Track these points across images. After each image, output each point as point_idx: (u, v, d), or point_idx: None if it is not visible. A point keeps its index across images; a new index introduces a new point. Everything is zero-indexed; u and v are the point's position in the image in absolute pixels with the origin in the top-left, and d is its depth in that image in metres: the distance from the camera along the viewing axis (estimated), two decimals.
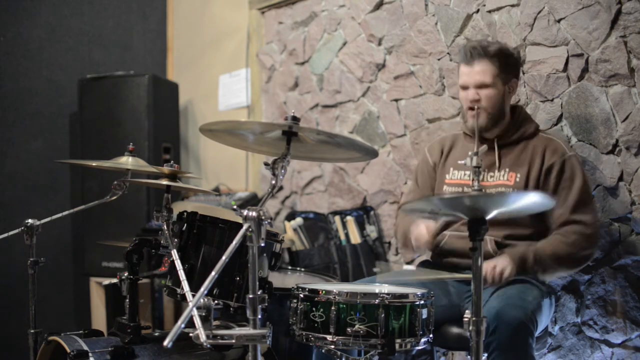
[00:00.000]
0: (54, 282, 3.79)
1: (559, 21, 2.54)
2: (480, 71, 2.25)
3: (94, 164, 2.34)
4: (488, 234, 2.17)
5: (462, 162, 1.61)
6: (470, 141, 2.39)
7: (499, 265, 2.09)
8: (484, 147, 1.63)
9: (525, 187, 2.24)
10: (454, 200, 1.60)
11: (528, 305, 1.97)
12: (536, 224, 2.23)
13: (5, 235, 2.26)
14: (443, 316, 2.18)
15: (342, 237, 3.24)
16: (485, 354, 1.90)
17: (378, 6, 3.26)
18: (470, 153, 1.57)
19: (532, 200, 1.57)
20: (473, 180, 1.57)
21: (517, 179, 2.26)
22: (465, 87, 2.29)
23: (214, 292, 1.86)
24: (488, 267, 2.08)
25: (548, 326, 2.40)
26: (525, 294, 2.03)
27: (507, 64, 2.28)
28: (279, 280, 2.51)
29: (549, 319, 2.25)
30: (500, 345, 1.86)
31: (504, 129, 2.33)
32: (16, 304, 3.33)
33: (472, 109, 2.26)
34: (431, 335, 1.88)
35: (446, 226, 2.36)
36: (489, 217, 1.51)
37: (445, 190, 2.39)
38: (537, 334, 2.05)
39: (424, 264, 2.47)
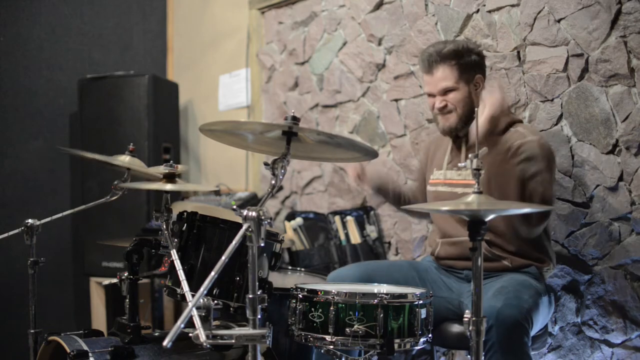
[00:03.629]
0: (54, 282, 3.79)
1: (559, 21, 2.54)
2: (441, 77, 2.28)
3: (97, 157, 2.31)
4: None
5: (463, 164, 1.62)
6: (445, 141, 2.46)
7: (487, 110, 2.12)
8: (484, 149, 1.62)
9: (488, 185, 2.13)
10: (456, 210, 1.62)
11: (524, 304, 1.97)
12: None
13: (5, 235, 2.26)
14: (446, 312, 2.21)
15: (342, 237, 3.24)
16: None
17: (378, 6, 3.26)
18: (470, 155, 1.58)
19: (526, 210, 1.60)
20: (473, 182, 1.59)
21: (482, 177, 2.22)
22: (431, 95, 2.35)
23: (214, 292, 1.86)
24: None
25: (548, 326, 2.40)
26: (521, 292, 2.03)
27: (467, 63, 2.29)
28: (279, 280, 2.52)
29: (548, 317, 2.25)
30: (496, 344, 1.87)
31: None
32: (16, 304, 3.33)
33: (441, 113, 2.32)
34: (430, 335, 1.88)
35: (440, 236, 2.42)
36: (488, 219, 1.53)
37: (428, 190, 2.47)
38: (534, 332, 2.05)
39: (427, 260, 2.48)
